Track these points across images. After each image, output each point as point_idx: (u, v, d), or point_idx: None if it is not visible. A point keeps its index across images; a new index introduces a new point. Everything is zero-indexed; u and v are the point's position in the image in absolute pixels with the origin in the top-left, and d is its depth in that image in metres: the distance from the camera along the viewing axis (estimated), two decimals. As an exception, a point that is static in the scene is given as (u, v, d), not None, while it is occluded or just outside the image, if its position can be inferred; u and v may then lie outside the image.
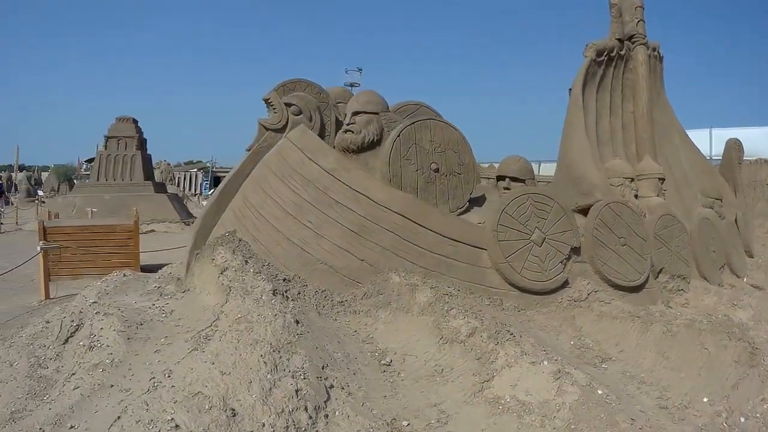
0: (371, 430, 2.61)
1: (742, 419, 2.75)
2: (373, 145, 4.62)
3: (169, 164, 35.24)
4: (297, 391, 2.65)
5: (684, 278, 4.77)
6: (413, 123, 4.59)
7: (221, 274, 3.81)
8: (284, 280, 3.92)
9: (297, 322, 3.32)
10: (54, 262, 6.12)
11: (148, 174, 16.61)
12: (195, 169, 43.44)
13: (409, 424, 2.72)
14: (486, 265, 4.29)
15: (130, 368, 3.11)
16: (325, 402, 2.71)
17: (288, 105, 4.56)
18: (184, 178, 38.19)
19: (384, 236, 4.16)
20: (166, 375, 2.84)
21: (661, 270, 4.69)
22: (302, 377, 2.76)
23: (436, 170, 4.59)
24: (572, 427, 2.57)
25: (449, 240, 4.25)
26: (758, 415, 2.73)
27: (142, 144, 16.50)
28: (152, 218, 14.23)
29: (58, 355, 3.60)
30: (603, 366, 3.53)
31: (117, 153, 15.92)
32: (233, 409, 2.52)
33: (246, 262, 3.95)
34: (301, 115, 4.58)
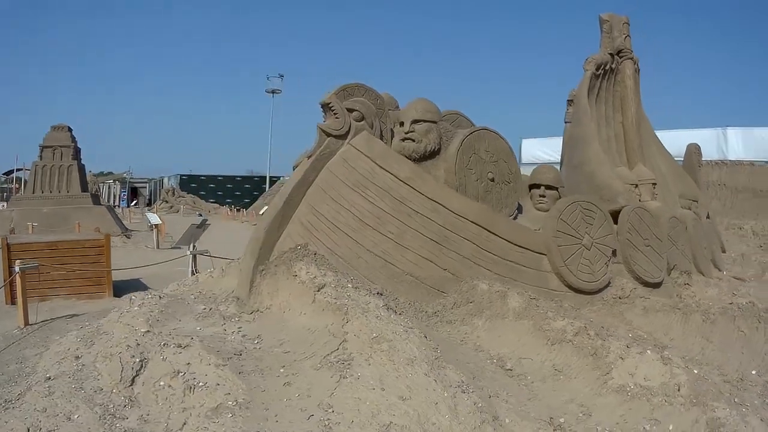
0: (539, 430, 3.34)
1: (791, 383, 4.05)
2: (433, 154, 5.27)
3: (94, 175, 34.04)
4: (475, 404, 3.22)
5: (689, 273, 6.20)
6: (471, 133, 5.33)
7: (318, 291, 4.16)
8: (378, 294, 4.42)
9: (425, 336, 3.89)
10: (32, 282, 5.73)
11: (84, 185, 17.36)
12: (111, 181, 46.18)
13: (565, 421, 3.52)
14: (546, 269, 5.22)
15: (267, 408, 3.15)
16: (496, 411, 3.35)
17: (350, 110, 4.98)
18: (102, 190, 37.71)
19: (463, 245, 4.86)
20: (327, 410, 3.06)
21: (673, 267, 6.10)
22: (471, 390, 3.33)
23: (492, 179, 5.40)
24: (694, 400, 3.58)
25: (517, 247, 5.09)
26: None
27: (77, 153, 17.17)
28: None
29: (131, 400, 3.50)
30: (665, 353, 4.68)
31: (53, 163, 16.48)
32: None
33: (338, 277, 4.37)
34: (362, 122, 5.04)
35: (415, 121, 5.19)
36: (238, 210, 37.37)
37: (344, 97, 5.01)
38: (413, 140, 5.15)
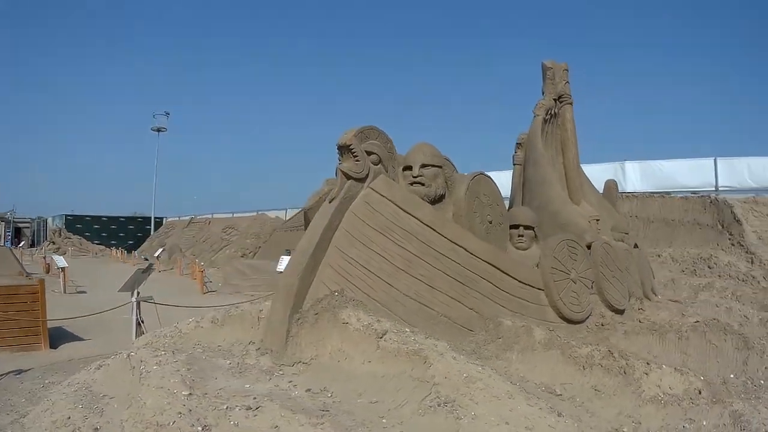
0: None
1: (762, 381, 5.58)
2: (441, 198, 6.16)
3: (-20, 213, 33.29)
4: (574, 425, 4.08)
5: (640, 299, 7.83)
6: (473, 178, 6.34)
7: (381, 338, 4.74)
8: (426, 337, 5.11)
9: (493, 370, 4.69)
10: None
11: (-21, 224, 17.04)
12: (-7, 220, 48.62)
13: (627, 430, 4.55)
14: (544, 303, 6.33)
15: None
16: (583, 429, 4.25)
17: (368, 153, 5.66)
18: (-19, 230, 35.82)
19: (481, 284, 5.76)
20: None
21: (631, 294, 7.64)
22: (563, 414, 4.19)
23: (490, 222, 6.44)
24: (714, 399, 4.84)
25: (522, 284, 6.13)
26: (769, 377, 5.63)
27: (-22, 190, 17.05)
28: None
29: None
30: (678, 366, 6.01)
31: (-50, 200, 16.28)
32: None
33: (393, 323, 4.98)
34: (379, 165, 5.75)
35: (424, 166, 6.05)
36: (129, 252, 39.59)
37: (362, 140, 5.69)
38: (423, 184, 6.00)
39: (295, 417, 3.83)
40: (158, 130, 53.03)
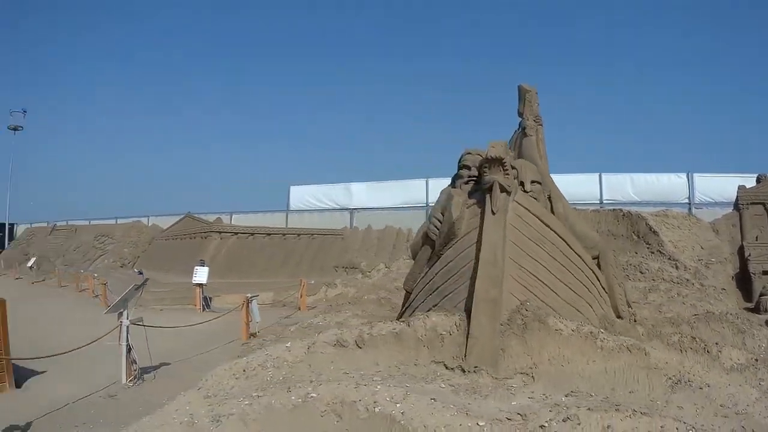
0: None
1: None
2: (544, 210, 7.55)
3: None
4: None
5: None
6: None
7: (597, 339, 5.90)
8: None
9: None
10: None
11: None
12: None
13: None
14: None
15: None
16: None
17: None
18: None
19: (594, 289, 7.33)
20: (738, 409, 4.98)
21: (622, 294, 9.96)
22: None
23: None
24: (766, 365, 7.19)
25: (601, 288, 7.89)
26: None
27: None
28: None
29: None
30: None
31: None
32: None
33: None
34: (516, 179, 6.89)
35: (533, 182, 7.39)
36: (-11, 262, 37.30)
37: (507, 154, 6.76)
38: (536, 199, 7.32)
39: (621, 414, 4.47)
40: (15, 129, 54.03)
